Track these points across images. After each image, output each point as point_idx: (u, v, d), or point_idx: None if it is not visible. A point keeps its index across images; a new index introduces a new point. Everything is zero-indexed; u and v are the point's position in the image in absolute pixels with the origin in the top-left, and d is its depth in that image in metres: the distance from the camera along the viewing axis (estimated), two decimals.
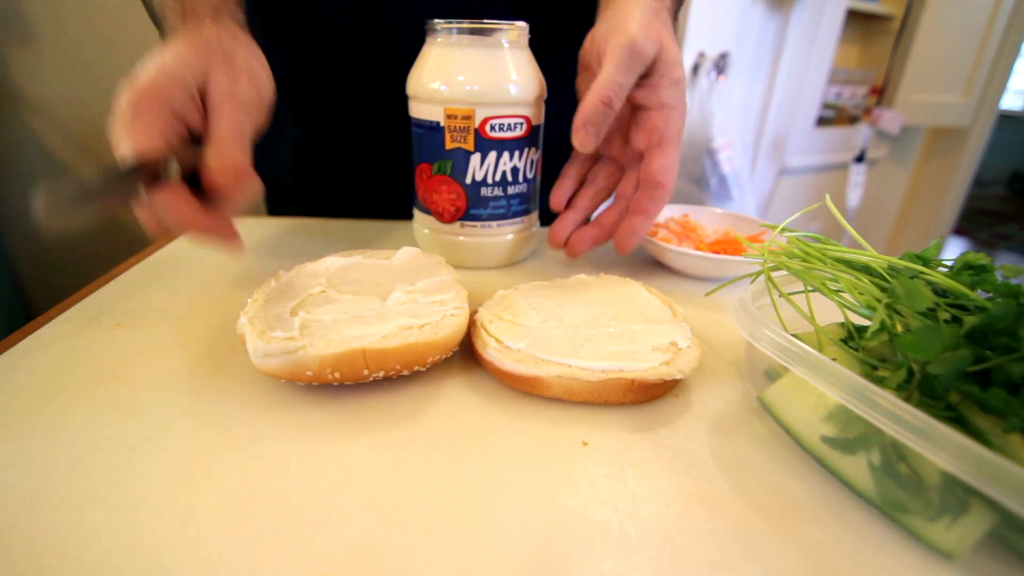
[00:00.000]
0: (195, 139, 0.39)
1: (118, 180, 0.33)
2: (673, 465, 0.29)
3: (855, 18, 1.95)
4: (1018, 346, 0.24)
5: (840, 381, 0.25)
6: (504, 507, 0.26)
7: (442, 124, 0.47)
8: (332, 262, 0.42)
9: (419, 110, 0.48)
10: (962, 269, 0.30)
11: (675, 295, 0.48)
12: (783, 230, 0.37)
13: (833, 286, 0.32)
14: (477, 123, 0.46)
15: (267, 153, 0.71)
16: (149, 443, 0.29)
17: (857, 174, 2.04)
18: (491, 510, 0.26)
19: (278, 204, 0.76)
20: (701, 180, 1.63)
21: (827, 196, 0.38)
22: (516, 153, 0.48)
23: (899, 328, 0.28)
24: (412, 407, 0.33)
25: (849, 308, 0.31)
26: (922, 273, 0.30)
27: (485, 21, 0.45)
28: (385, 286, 0.38)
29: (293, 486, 0.27)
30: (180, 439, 0.30)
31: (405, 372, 0.34)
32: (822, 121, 2.02)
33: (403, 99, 0.50)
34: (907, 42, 1.95)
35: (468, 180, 0.48)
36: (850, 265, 0.33)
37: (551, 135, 0.55)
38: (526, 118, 0.48)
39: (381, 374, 0.33)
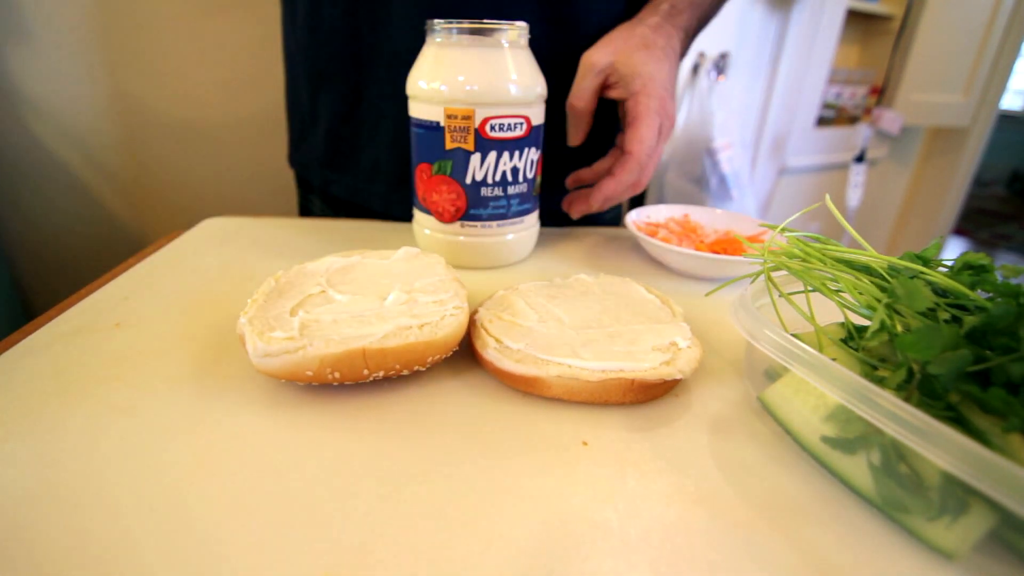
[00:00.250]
0: None
1: None
2: (673, 465, 0.29)
3: (855, 18, 1.95)
4: (1018, 346, 0.24)
5: (840, 381, 0.25)
6: (504, 507, 0.26)
7: (442, 124, 0.47)
8: (332, 262, 0.42)
9: (419, 110, 0.48)
10: (962, 269, 0.30)
11: (675, 295, 0.48)
12: (783, 230, 0.37)
13: (833, 286, 0.32)
14: (477, 123, 0.46)
15: (303, 140, 0.72)
16: (149, 443, 0.29)
17: (857, 174, 2.04)
18: (491, 510, 0.26)
19: (304, 195, 0.77)
20: (701, 180, 1.62)
21: (827, 196, 0.38)
22: (516, 153, 0.49)
23: (899, 328, 0.28)
24: (412, 407, 0.33)
25: (849, 308, 0.31)
26: (922, 273, 0.30)
27: (485, 21, 0.45)
28: (384, 286, 0.38)
29: (293, 486, 0.27)
30: (180, 439, 0.30)
31: (405, 372, 0.34)
32: (822, 121, 2.02)
33: None
34: (907, 42, 1.95)
35: (468, 180, 0.48)
36: (850, 265, 0.33)
37: (551, 135, 0.55)
38: (526, 118, 0.48)
39: (381, 374, 0.33)
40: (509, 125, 0.47)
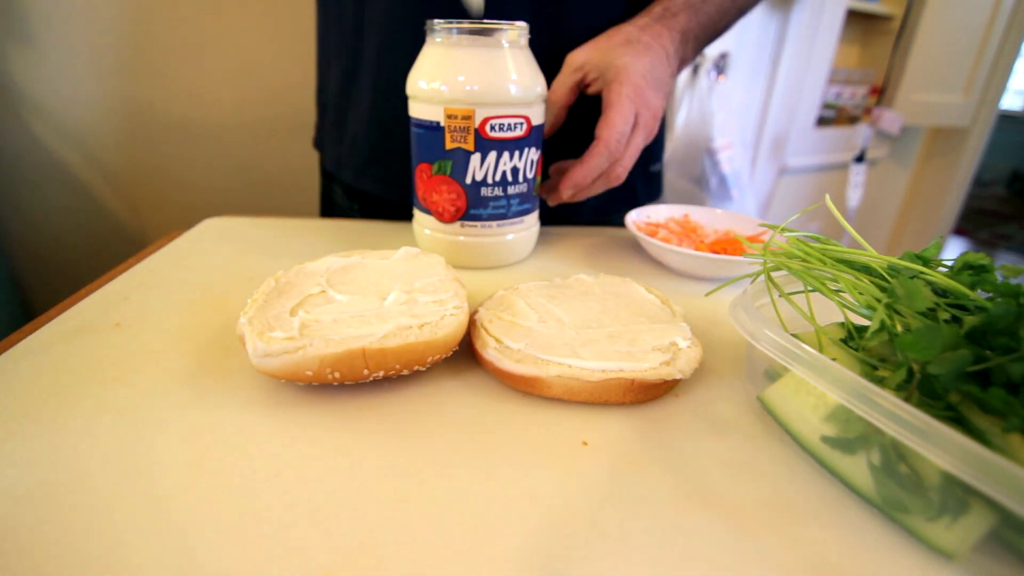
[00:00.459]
0: None
1: None
2: (673, 465, 0.29)
3: (855, 18, 1.95)
4: (1018, 346, 0.24)
5: (840, 381, 0.25)
6: (504, 506, 0.26)
7: (442, 124, 0.47)
8: (332, 262, 0.42)
9: (419, 110, 0.48)
10: (962, 269, 0.30)
11: (675, 295, 0.48)
12: (783, 230, 0.37)
13: (833, 286, 0.32)
14: (477, 123, 0.46)
15: (334, 138, 0.71)
16: (149, 443, 0.29)
17: (857, 174, 2.04)
18: (491, 509, 0.26)
19: (327, 184, 0.77)
20: (701, 180, 1.62)
21: (827, 196, 0.38)
22: (516, 153, 0.49)
23: (899, 328, 0.28)
24: (412, 407, 0.33)
25: (849, 308, 0.31)
26: (922, 273, 0.30)
27: (485, 21, 0.45)
28: (384, 286, 0.38)
29: (293, 486, 0.27)
30: (180, 439, 0.30)
31: (405, 372, 0.34)
32: (822, 121, 2.02)
33: None
34: (907, 42, 1.95)
35: (468, 180, 0.48)
36: (850, 265, 0.33)
37: (550, 135, 0.55)
38: (526, 118, 0.48)
39: (381, 374, 0.33)
40: (509, 125, 0.47)
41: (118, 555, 0.23)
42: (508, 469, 0.29)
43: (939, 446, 0.21)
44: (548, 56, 0.52)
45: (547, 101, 0.53)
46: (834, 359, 0.28)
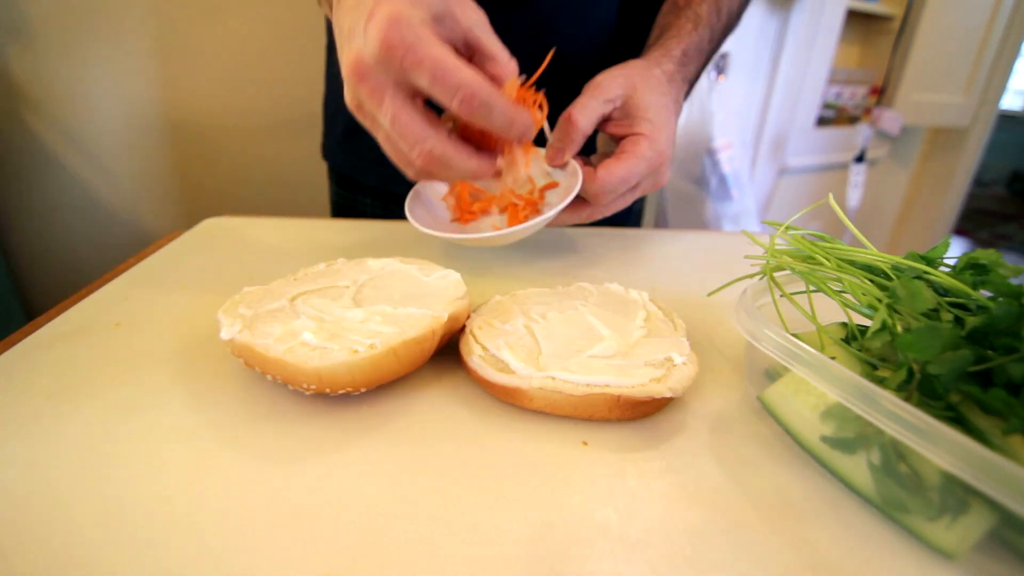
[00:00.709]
0: None
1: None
2: (673, 465, 0.29)
3: (855, 18, 1.95)
4: (1019, 346, 0.24)
5: (840, 381, 0.25)
6: (504, 506, 0.26)
7: None
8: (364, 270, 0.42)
9: None
10: (965, 268, 0.30)
11: (676, 295, 0.48)
12: (787, 228, 0.37)
13: (835, 286, 0.32)
14: None
15: (351, 141, 0.70)
16: (149, 443, 0.29)
17: (857, 174, 2.04)
18: (491, 509, 0.26)
19: (348, 195, 0.76)
20: (701, 180, 1.62)
21: (830, 195, 0.38)
22: None
23: (900, 328, 0.28)
24: (411, 407, 0.33)
25: (851, 308, 0.31)
26: (926, 273, 0.30)
27: None
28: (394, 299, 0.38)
29: (294, 486, 0.27)
30: (180, 439, 0.30)
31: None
32: (822, 121, 2.02)
33: None
34: (907, 42, 1.95)
35: None
36: (852, 264, 0.33)
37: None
38: None
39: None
40: None
41: (118, 555, 0.23)
42: (508, 468, 0.29)
43: (939, 446, 0.21)
44: (543, 75, 0.51)
45: (573, 124, 0.48)
46: (834, 358, 0.28)
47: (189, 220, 0.64)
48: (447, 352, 0.38)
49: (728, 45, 1.60)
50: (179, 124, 1.29)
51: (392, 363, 0.32)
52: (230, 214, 0.65)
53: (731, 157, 1.60)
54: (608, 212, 0.51)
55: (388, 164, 0.59)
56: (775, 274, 0.35)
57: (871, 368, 0.29)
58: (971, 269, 0.30)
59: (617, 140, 0.51)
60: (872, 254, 0.32)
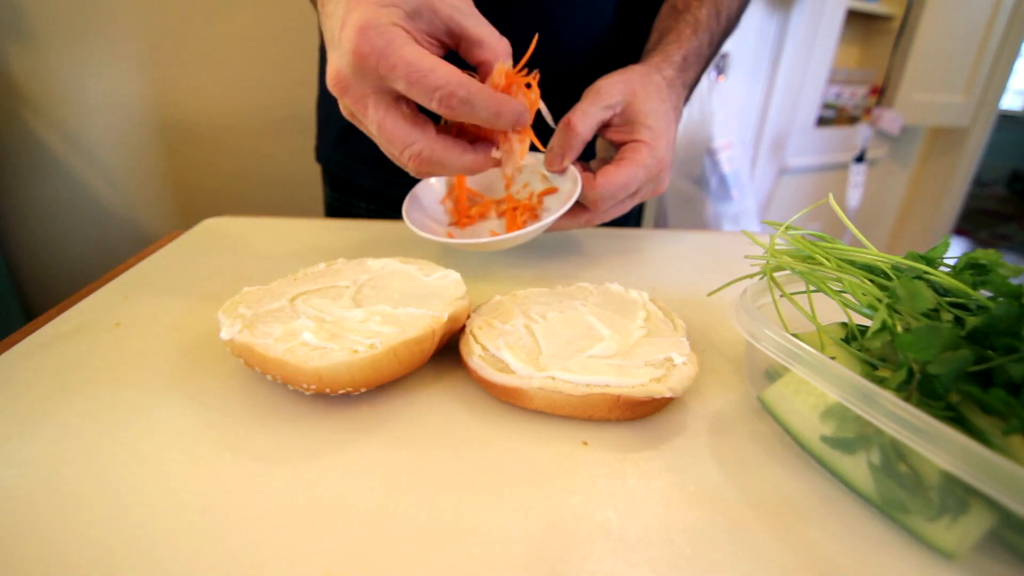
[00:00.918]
0: None
1: None
2: (673, 465, 0.29)
3: (855, 18, 1.95)
4: (1020, 346, 0.24)
5: (840, 381, 0.25)
6: (504, 506, 0.26)
7: None
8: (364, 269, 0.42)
9: None
10: (964, 268, 0.30)
11: (676, 294, 0.48)
12: (787, 228, 0.37)
13: (835, 286, 0.32)
14: None
15: (345, 143, 0.70)
16: (149, 443, 0.29)
17: (857, 174, 2.04)
18: (491, 509, 0.26)
19: (342, 198, 0.76)
20: (701, 180, 1.62)
21: (830, 195, 0.38)
22: None
23: (900, 328, 0.28)
24: (411, 407, 0.33)
25: (851, 308, 0.31)
26: (926, 273, 0.30)
27: None
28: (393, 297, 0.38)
29: (294, 486, 0.27)
30: (180, 439, 0.30)
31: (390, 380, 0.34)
32: (822, 121, 2.02)
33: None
34: (907, 42, 1.95)
35: None
36: (852, 264, 0.33)
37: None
38: None
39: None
40: None
41: (118, 555, 0.23)
42: (508, 468, 0.29)
43: (939, 446, 0.21)
44: (541, 79, 0.50)
45: (572, 129, 0.47)
46: (834, 358, 0.28)
47: (189, 220, 0.64)
48: (447, 352, 0.38)
49: (728, 45, 1.60)
50: (178, 124, 1.29)
51: (392, 363, 0.32)
52: (230, 214, 0.65)
53: (731, 157, 1.60)
54: (607, 218, 0.51)
55: (384, 167, 0.58)
56: (775, 274, 0.35)
57: (871, 368, 0.29)
58: (971, 269, 0.30)
59: (616, 146, 0.50)
60: (872, 254, 0.32)
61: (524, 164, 0.55)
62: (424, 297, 0.37)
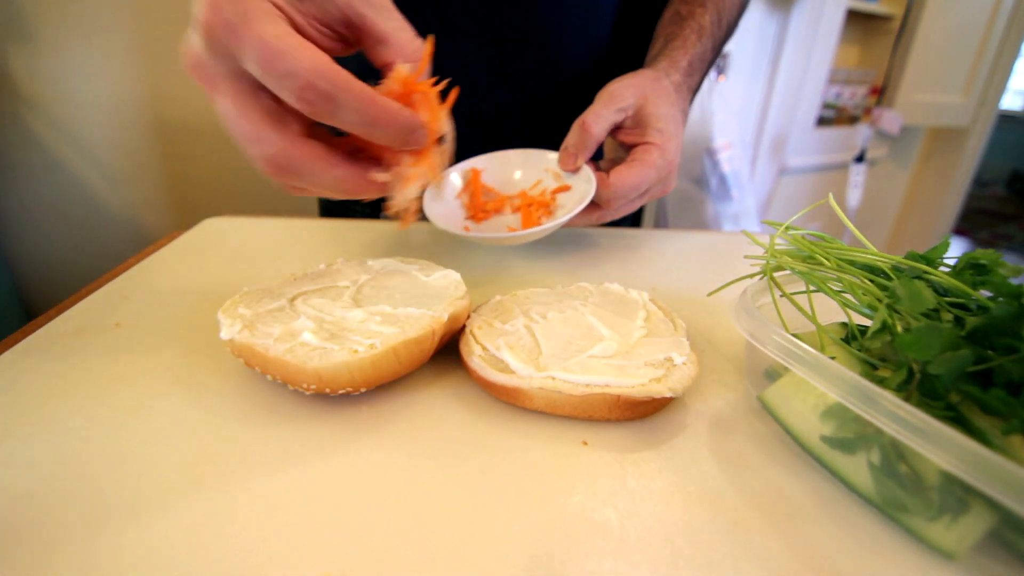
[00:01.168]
0: None
1: None
2: (673, 465, 0.29)
3: (855, 18, 1.95)
4: (1020, 346, 0.24)
5: (840, 381, 0.25)
6: (504, 506, 0.26)
7: None
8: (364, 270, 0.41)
9: None
10: (964, 268, 0.30)
11: (676, 294, 0.48)
12: (787, 228, 0.37)
13: (835, 286, 0.32)
14: None
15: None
16: (149, 443, 0.29)
17: (857, 174, 2.04)
18: (491, 509, 0.26)
19: (338, 201, 0.75)
20: (701, 180, 1.63)
21: (830, 195, 0.38)
22: None
23: (900, 328, 0.28)
24: (411, 407, 0.33)
25: (851, 308, 0.31)
26: (926, 273, 0.30)
27: None
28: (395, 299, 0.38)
29: (294, 486, 0.27)
30: (180, 439, 0.30)
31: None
32: (822, 121, 2.02)
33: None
34: (907, 42, 1.95)
35: None
36: (852, 264, 0.33)
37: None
38: None
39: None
40: None
41: (117, 555, 0.23)
42: (508, 468, 0.29)
43: (939, 446, 0.21)
44: (541, 84, 0.50)
45: (587, 130, 0.49)
46: (834, 358, 0.28)
47: (189, 220, 0.64)
48: (447, 352, 0.38)
49: (728, 45, 1.60)
50: (178, 124, 1.29)
51: (392, 363, 0.32)
52: (230, 214, 0.65)
53: (731, 157, 1.60)
54: (616, 216, 0.52)
55: None
56: (775, 274, 0.35)
57: (871, 368, 0.29)
58: (971, 269, 0.30)
59: (627, 148, 0.52)
60: (872, 254, 0.32)
61: (537, 162, 0.56)
62: (424, 297, 0.37)
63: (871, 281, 0.31)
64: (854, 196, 2.05)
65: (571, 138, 0.50)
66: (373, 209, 0.72)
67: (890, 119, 2.00)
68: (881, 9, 1.98)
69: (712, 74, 1.59)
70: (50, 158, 1.27)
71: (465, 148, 0.56)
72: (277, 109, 0.31)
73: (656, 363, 0.33)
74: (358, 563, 0.23)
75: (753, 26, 1.67)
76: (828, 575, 0.24)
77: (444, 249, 0.57)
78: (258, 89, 0.30)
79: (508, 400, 0.33)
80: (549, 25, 0.61)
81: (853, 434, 0.27)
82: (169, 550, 0.23)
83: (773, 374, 0.33)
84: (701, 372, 0.37)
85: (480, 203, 0.56)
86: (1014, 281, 0.27)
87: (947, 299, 0.29)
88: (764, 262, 0.36)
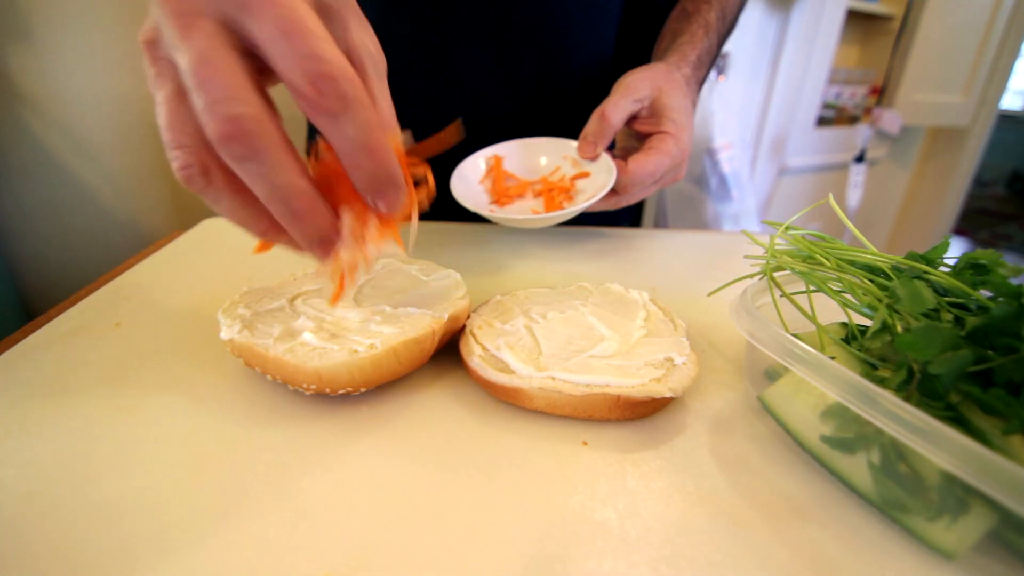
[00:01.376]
0: None
1: None
2: (673, 465, 0.29)
3: (855, 18, 1.95)
4: (1020, 346, 0.24)
5: (840, 381, 0.25)
6: (504, 506, 0.26)
7: None
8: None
9: None
10: (964, 268, 0.30)
11: (677, 294, 0.48)
12: (787, 228, 0.37)
13: (835, 286, 0.32)
14: None
15: None
16: (149, 443, 0.29)
17: (857, 174, 2.04)
18: (491, 509, 0.26)
19: None
20: (701, 180, 1.62)
21: (830, 195, 0.38)
22: None
23: (900, 328, 0.28)
24: (411, 407, 0.33)
25: (851, 308, 0.31)
26: (926, 273, 0.30)
27: None
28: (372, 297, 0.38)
29: (293, 486, 0.27)
30: (180, 439, 0.30)
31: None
32: (822, 121, 2.02)
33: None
34: (907, 42, 1.95)
35: None
36: (852, 264, 0.33)
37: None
38: None
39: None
40: None
41: (118, 555, 0.23)
42: (508, 468, 0.29)
43: (939, 446, 0.21)
44: (550, 89, 0.51)
45: (606, 120, 0.52)
46: (834, 358, 0.28)
47: (189, 220, 0.64)
48: (447, 352, 0.38)
49: (728, 45, 1.60)
50: None
51: (392, 363, 0.32)
52: None
53: (731, 157, 1.60)
54: (632, 201, 0.55)
55: None
56: (775, 274, 0.35)
57: (871, 368, 0.29)
58: (971, 269, 0.30)
59: (641, 137, 0.54)
60: (872, 254, 0.32)
61: (556, 150, 0.58)
62: (424, 297, 0.37)
63: (871, 281, 0.31)
64: (854, 196, 2.05)
65: (590, 127, 0.53)
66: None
67: (890, 119, 2.00)
68: (881, 9, 1.98)
69: (712, 74, 1.59)
70: (50, 158, 1.27)
71: (467, 150, 0.56)
72: (259, 79, 0.26)
73: (656, 363, 0.33)
74: (358, 563, 0.23)
75: (753, 26, 1.67)
76: (828, 575, 0.24)
77: (443, 250, 0.57)
78: (236, 48, 0.25)
79: (508, 400, 0.33)
80: (553, 32, 0.62)
81: (853, 434, 0.27)
82: (169, 550, 0.23)
83: (773, 374, 0.33)
84: (701, 372, 0.37)
85: (502, 188, 0.58)
86: (1014, 281, 0.27)
87: (947, 299, 0.29)
88: (764, 262, 0.36)
